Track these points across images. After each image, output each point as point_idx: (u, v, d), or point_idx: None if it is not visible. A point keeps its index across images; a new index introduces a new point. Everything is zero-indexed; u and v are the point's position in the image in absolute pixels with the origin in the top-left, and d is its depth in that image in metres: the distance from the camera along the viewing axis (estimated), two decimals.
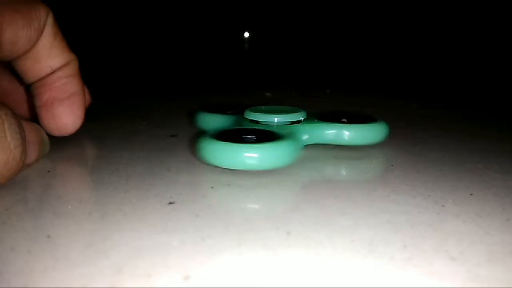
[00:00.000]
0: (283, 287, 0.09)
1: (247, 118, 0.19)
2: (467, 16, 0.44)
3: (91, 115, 0.21)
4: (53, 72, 0.19)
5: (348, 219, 0.12)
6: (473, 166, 0.18)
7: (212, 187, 0.15)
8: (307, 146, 0.19)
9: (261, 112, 0.19)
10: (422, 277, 0.10)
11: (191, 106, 0.34)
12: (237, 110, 0.22)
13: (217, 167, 0.16)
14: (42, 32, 0.18)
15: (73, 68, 0.19)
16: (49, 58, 0.18)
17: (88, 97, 0.21)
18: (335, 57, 0.51)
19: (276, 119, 0.19)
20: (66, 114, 0.19)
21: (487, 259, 0.10)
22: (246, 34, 0.51)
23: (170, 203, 0.13)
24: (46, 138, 0.17)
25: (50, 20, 0.18)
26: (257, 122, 0.19)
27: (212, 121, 0.22)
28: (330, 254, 0.10)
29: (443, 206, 0.13)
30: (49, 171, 0.17)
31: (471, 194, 0.15)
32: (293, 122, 0.19)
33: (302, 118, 0.19)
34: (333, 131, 0.19)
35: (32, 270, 0.10)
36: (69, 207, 0.13)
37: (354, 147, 0.20)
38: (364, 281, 0.09)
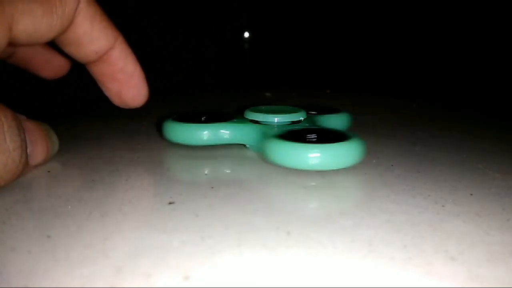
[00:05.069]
0: (283, 287, 0.09)
1: (247, 118, 0.20)
2: (467, 16, 0.44)
3: (91, 115, 0.21)
4: (102, 56, 0.18)
5: (348, 219, 0.12)
6: (473, 166, 0.18)
7: (212, 187, 0.15)
8: None
9: (261, 112, 0.19)
10: (422, 277, 0.10)
11: (191, 106, 0.34)
12: (209, 117, 0.20)
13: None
14: (70, 18, 0.16)
15: (121, 48, 0.18)
16: (90, 43, 0.17)
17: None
18: (335, 57, 0.51)
19: (276, 119, 0.19)
20: (129, 96, 0.19)
21: (487, 259, 0.10)
22: (246, 34, 0.51)
23: (170, 203, 0.13)
24: (54, 137, 0.17)
25: (83, 4, 0.16)
26: (257, 122, 0.19)
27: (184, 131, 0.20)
28: (330, 254, 0.10)
29: (443, 206, 0.13)
30: (49, 171, 0.17)
31: (471, 194, 0.15)
32: (293, 122, 0.19)
33: (302, 118, 0.19)
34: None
35: (32, 270, 0.10)
36: (69, 207, 0.13)
37: None
38: (364, 281, 0.09)
